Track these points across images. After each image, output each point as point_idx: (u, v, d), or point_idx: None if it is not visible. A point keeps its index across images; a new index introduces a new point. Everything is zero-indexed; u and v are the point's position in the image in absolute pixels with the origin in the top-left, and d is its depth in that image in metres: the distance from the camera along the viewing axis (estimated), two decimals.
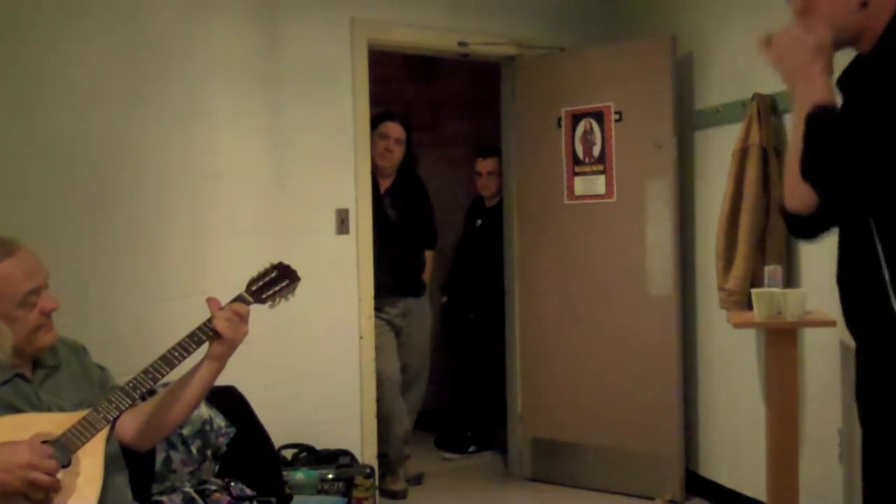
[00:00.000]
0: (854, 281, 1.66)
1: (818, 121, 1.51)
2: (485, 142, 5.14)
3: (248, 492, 2.86)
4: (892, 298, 1.54)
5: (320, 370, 3.89)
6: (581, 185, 4.28)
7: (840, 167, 1.48)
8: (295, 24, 3.83)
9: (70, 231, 3.02)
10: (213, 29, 3.56)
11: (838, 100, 1.62)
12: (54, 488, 1.88)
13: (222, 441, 2.93)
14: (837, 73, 1.67)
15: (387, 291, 4.24)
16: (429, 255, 4.60)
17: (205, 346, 2.11)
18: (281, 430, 3.46)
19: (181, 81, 3.44)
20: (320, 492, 3.47)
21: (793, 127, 1.62)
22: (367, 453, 3.98)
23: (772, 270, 3.30)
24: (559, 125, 4.33)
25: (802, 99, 1.57)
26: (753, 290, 3.27)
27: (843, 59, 1.70)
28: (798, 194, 1.60)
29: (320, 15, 3.89)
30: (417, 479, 4.47)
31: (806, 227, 1.72)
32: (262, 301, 2.16)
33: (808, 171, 1.53)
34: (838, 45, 1.62)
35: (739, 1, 3.78)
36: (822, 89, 1.55)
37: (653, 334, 4.09)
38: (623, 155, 4.16)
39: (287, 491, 3.20)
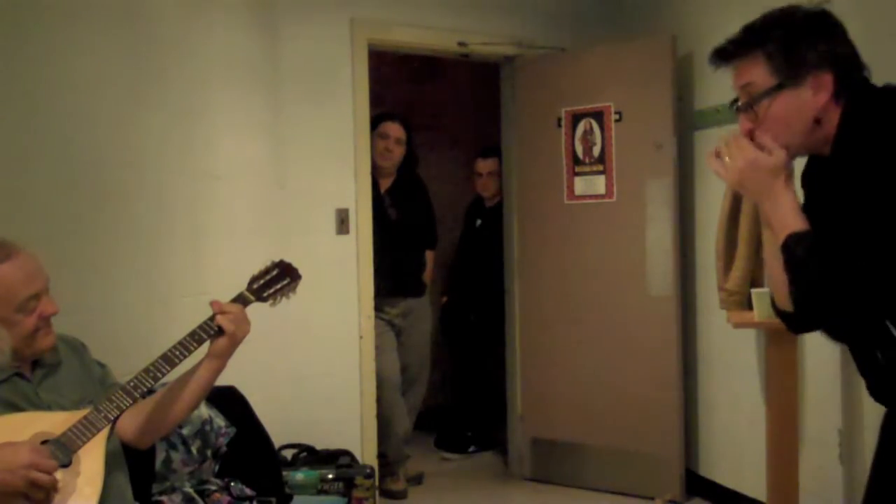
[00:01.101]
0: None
1: (795, 254, 1.55)
2: (485, 142, 5.13)
3: (248, 492, 2.86)
4: None
5: (320, 370, 3.89)
6: (581, 185, 4.28)
7: (828, 296, 1.52)
8: (295, 24, 3.83)
9: (70, 231, 3.03)
10: (213, 28, 3.56)
11: (800, 197, 1.64)
12: (55, 488, 1.88)
13: (222, 441, 2.93)
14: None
15: (387, 291, 4.23)
16: (429, 255, 4.59)
17: (205, 347, 2.11)
18: (281, 430, 3.46)
19: (181, 81, 3.44)
20: (320, 492, 3.47)
21: (767, 239, 1.66)
22: (367, 453, 3.98)
23: None
24: (559, 125, 4.33)
25: (773, 218, 1.60)
26: (753, 290, 3.27)
27: None
28: (788, 301, 1.63)
29: (320, 15, 3.89)
30: (417, 479, 4.47)
31: (803, 324, 1.74)
32: (264, 299, 2.16)
33: (797, 298, 1.58)
34: (796, 155, 1.64)
35: (739, 1, 3.78)
36: (790, 208, 1.57)
37: (653, 334, 4.08)
38: (623, 155, 4.16)
39: (287, 491, 3.20)
